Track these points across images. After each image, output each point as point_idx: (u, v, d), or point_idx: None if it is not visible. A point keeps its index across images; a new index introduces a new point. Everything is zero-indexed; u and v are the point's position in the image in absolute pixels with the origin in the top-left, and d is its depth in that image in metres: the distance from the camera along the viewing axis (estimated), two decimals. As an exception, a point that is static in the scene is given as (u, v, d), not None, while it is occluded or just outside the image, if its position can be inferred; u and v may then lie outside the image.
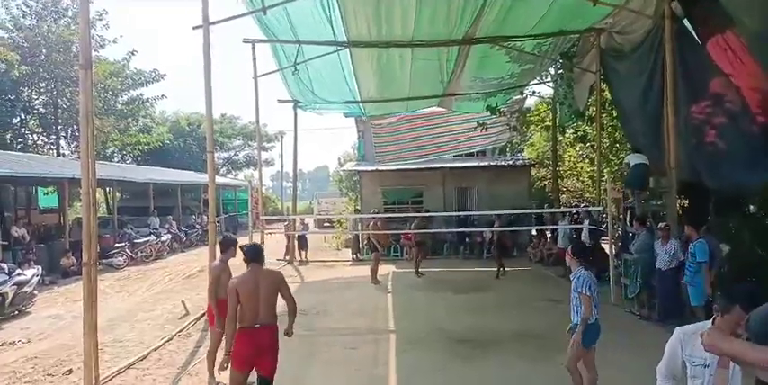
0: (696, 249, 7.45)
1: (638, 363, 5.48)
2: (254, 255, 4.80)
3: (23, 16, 25.35)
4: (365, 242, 17.94)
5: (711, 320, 2.61)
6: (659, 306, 8.51)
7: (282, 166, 45.02)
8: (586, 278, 5.05)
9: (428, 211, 16.62)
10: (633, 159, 9.94)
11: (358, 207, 20.66)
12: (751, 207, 10.72)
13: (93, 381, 5.66)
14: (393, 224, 16.94)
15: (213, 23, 9.85)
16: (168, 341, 7.87)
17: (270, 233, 16.34)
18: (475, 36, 11.65)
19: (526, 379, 6.08)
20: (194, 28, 9.76)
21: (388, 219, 15.43)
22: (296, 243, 17.28)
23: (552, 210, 15.01)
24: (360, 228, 17.93)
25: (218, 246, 6.39)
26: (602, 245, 12.51)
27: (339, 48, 12.25)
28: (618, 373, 5.77)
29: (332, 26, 10.98)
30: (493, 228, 14.15)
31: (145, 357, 7.08)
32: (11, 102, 24.68)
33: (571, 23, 11.37)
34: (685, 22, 8.68)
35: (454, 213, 17.42)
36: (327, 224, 27.87)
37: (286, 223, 18.71)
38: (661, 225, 8.35)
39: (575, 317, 5.12)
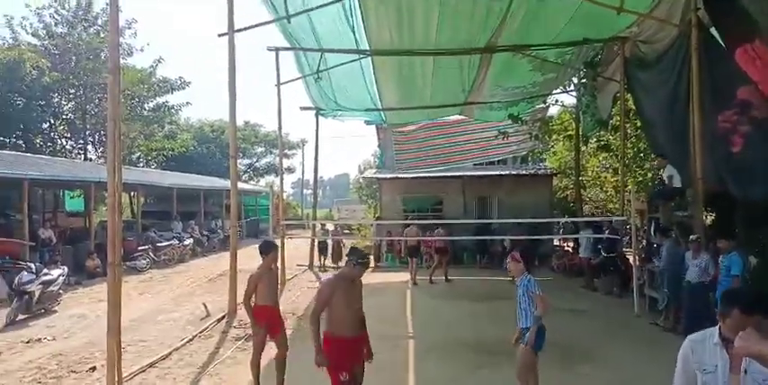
0: (731, 262, 7.24)
1: (661, 375, 5.39)
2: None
3: (55, 24, 26.10)
4: (385, 249, 18.00)
5: (718, 327, 2.59)
6: (686, 319, 8.31)
7: (303, 174, 45.45)
8: (535, 281, 4.99)
9: (447, 220, 16.58)
10: (675, 177, 9.60)
11: (378, 214, 20.69)
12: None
13: (116, 379, 5.75)
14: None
15: (238, 31, 10.08)
16: (189, 341, 7.96)
17: (290, 237, 16.45)
18: (497, 44, 11.69)
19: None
20: (220, 35, 10.02)
21: (408, 225, 15.41)
22: (316, 248, 17.34)
23: (573, 219, 14.85)
24: (383, 234, 17.92)
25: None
26: (626, 255, 12.34)
27: (361, 56, 12.38)
28: (639, 382, 5.66)
29: (354, 34, 11.12)
30: (511, 237, 14.04)
31: (166, 357, 7.17)
32: (41, 107, 25.33)
33: (595, 32, 11.35)
34: (712, 30, 8.59)
35: (474, 221, 17.33)
36: (347, 231, 27.93)
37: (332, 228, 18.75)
38: (692, 237, 8.16)
39: (524, 322, 5.00)
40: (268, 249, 5.78)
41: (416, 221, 15.61)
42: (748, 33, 7.61)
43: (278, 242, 13.02)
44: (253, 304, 5.63)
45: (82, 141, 27.96)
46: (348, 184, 72.37)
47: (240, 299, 10.41)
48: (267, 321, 5.67)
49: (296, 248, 18.16)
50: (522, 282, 5.05)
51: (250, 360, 5.79)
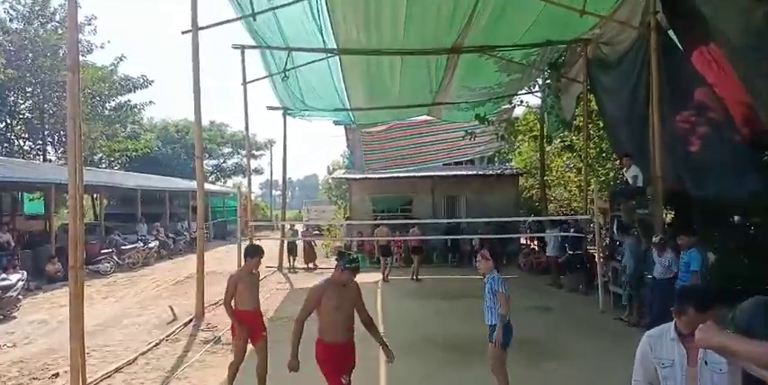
0: (690, 258, 7.49)
1: (627, 369, 5.55)
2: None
3: (10, 20, 25.15)
4: (355, 249, 17.98)
5: (674, 323, 2.69)
6: (651, 314, 8.54)
7: (272, 175, 45.01)
8: (502, 279, 5.12)
9: (417, 219, 16.70)
10: (639, 176, 9.75)
11: (347, 215, 20.68)
12: (736, 217, 10.90)
13: (81, 384, 5.63)
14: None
15: (202, 28, 9.92)
16: (156, 345, 7.81)
17: (259, 239, 16.29)
18: (464, 45, 11.82)
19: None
20: (183, 32, 9.85)
21: (378, 225, 15.46)
22: (285, 250, 17.22)
23: (541, 218, 15.13)
24: (353, 235, 17.93)
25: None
26: (591, 253, 12.63)
27: (328, 55, 12.35)
28: (606, 377, 5.81)
29: (321, 33, 11.09)
30: (481, 236, 14.23)
31: (133, 361, 7.03)
32: (-4, 106, 24.48)
33: (559, 34, 11.60)
34: (670, 33, 8.88)
35: (445, 220, 17.49)
36: (317, 232, 27.83)
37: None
38: (656, 238, 8.39)
39: (490, 318, 5.13)
40: (252, 252, 5.66)
41: (387, 221, 15.66)
42: (704, 36, 7.89)
43: (245, 244, 12.91)
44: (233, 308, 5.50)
45: (41, 142, 27.10)
46: (317, 185, 72.11)
47: (208, 301, 10.34)
48: (249, 326, 5.54)
49: (267, 250, 17.95)
50: (488, 279, 5.16)
51: (230, 362, 5.66)
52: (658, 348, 2.68)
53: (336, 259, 4.59)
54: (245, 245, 12.08)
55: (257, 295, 5.67)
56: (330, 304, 4.30)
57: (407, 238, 14.94)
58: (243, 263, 5.81)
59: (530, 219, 16.39)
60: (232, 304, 5.46)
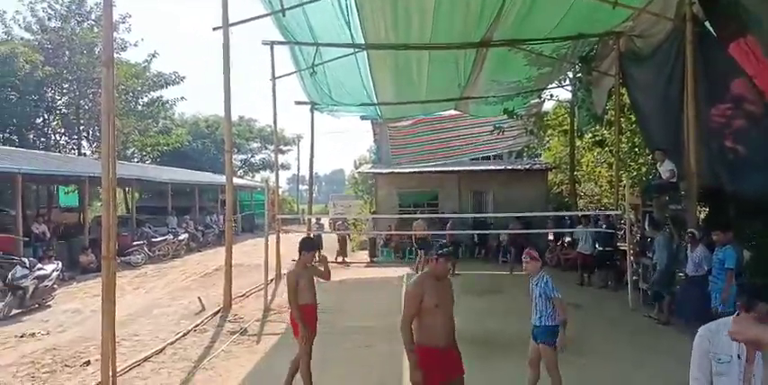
0: (726, 255, 7.26)
1: (657, 366, 5.45)
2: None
3: (48, 19, 25.91)
4: (381, 244, 18.01)
5: (732, 318, 2.59)
6: (684, 311, 8.32)
7: (299, 169, 45.38)
8: (552, 283, 4.97)
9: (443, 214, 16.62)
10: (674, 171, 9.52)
11: (374, 209, 20.70)
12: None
13: (111, 373, 5.74)
14: (407, 226, 16.97)
15: (233, 24, 10.02)
16: (184, 336, 7.95)
17: (286, 232, 16.42)
18: (493, 39, 11.65)
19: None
20: (214, 29, 9.95)
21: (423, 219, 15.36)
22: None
23: (569, 213, 14.90)
24: (380, 229, 17.97)
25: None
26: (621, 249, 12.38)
27: (356, 50, 12.33)
28: (636, 373, 5.69)
29: (350, 28, 11.07)
30: (509, 231, 14.07)
31: (161, 351, 7.16)
32: (34, 102, 25.19)
33: (590, 27, 11.34)
34: (707, 24, 8.60)
35: (472, 215, 17.37)
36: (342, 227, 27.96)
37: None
38: (689, 231, 8.16)
39: (537, 320, 5.01)
40: (308, 246, 5.56)
41: (423, 216, 15.57)
42: (742, 27, 7.63)
43: (272, 238, 13.01)
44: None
45: (76, 137, 27.83)
46: (344, 180, 72.31)
47: (235, 293, 10.47)
48: (312, 321, 5.45)
49: (294, 244, 18.09)
50: (539, 281, 5.02)
51: (301, 368, 5.37)
52: (716, 343, 2.58)
53: (425, 252, 4.35)
54: (272, 238, 12.25)
55: (314, 289, 5.57)
56: (430, 302, 3.82)
57: (448, 233, 14.73)
58: (297, 257, 5.60)
59: (567, 214, 16.09)
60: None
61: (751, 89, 7.70)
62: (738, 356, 2.51)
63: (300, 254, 5.53)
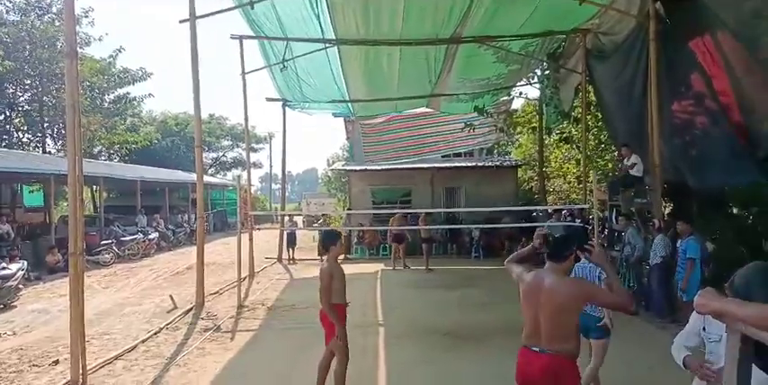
0: (687, 246, 7.56)
1: (626, 355, 5.59)
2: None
3: (7, 12, 25.03)
4: (355, 241, 18.02)
5: (701, 290, 2.72)
6: (650, 301, 8.59)
7: (271, 168, 45.00)
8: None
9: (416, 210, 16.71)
10: (639, 165, 9.71)
11: (348, 207, 20.69)
12: (734, 209, 10.93)
13: (81, 371, 5.67)
14: (381, 223, 17.05)
15: (200, 17, 9.91)
16: (156, 333, 7.85)
17: (258, 229, 16.33)
18: (462, 35, 11.78)
19: (511, 371, 6.15)
20: (181, 21, 9.83)
21: (377, 216, 15.47)
22: (285, 241, 17.23)
23: (540, 208, 15.17)
24: (354, 226, 17.95)
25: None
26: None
27: (327, 45, 12.30)
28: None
29: (320, 23, 11.03)
30: (480, 225, 14.25)
31: (132, 348, 7.07)
32: (-6, 98, 24.42)
33: (558, 24, 11.55)
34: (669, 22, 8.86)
35: (443, 210, 17.52)
36: (316, 224, 27.89)
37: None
38: (651, 222, 8.44)
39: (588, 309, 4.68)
40: (333, 239, 5.12)
41: (402, 211, 15.62)
42: (701, 27, 7.88)
43: (245, 236, 12.91)
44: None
45: (40, 134, 27.04)
46: (317, 179, 72.05)
47: (207, 291, 10.38)
48: (343, 322, 5.06)
49: (266, 242, 18.04)
50: (584, 269, 4.75)
51: (336, 369, 5.09)
52: (710, 322, 2.68)
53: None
54: (244, 236, 12.15)
55: (345, 288, 5.20)
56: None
57: (418, 228, 14.80)
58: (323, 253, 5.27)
59: (524, 208, 16.38)
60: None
61: (710, 86, 7.96)
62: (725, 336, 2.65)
63: (328, 248, 5.08)
